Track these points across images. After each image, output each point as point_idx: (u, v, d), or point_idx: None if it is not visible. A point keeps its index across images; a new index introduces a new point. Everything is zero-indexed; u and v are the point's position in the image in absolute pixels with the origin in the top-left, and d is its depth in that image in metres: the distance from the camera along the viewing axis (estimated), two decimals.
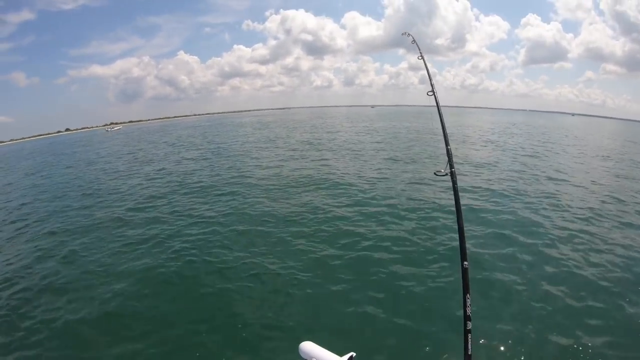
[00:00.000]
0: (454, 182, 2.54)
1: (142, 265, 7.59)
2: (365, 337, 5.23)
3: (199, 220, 10.06)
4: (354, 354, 2.24)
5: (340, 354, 2.24)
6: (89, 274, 7.40)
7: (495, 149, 23.00)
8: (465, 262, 2.19)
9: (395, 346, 5.02)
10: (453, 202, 2.47)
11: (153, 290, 6.66)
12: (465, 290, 2.11)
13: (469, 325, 2.04)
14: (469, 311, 2.05)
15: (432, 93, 3.24)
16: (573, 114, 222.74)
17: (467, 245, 2.37)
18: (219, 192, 12.96)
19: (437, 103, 3.19)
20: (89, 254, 8.32)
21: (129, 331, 5.51)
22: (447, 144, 2.79)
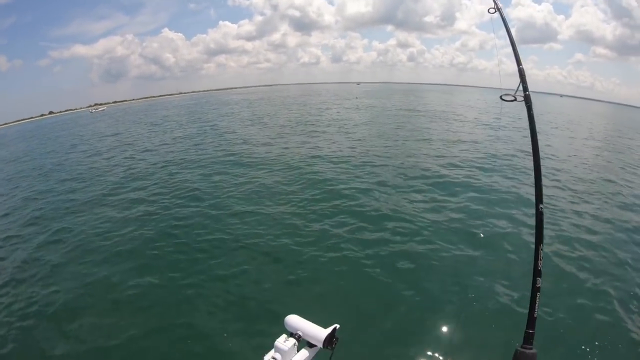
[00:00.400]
0: (529, 108, 2.19)
1: (127, 245, 7.70)
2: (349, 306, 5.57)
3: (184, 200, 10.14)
4: (338, 326, 2.27)
5: (325, 326, 2.26)
6: (69, 259, 7.45)
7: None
8: (541, 205, 1.92)
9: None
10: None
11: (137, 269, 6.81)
12: (539, 239, 1.86)
13: (539, 282, 1.79)
14: (540, 265, 1.80)
15: (494, 10, 2.67)
16: (561, 95, 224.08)
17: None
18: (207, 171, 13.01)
19: (503, 19, 2.66)
20: (71, 236, 8.35)
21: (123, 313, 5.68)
22: (518, 63, 2.46)
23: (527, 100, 2.15)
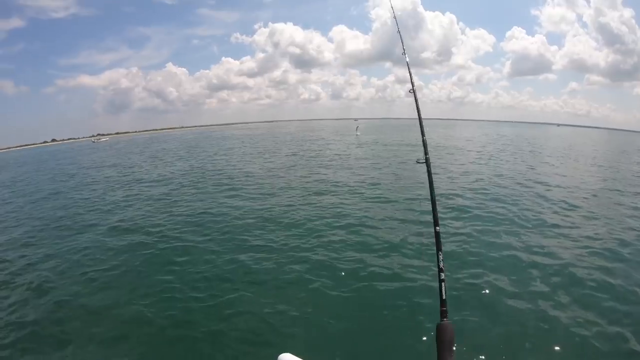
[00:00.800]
0: (428, 166, 2.80)
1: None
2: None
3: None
4: None
5: None
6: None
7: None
8: (437, 227, 2.46)
9: None
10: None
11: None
12: (438, 248, 2.35)
13: (443, 275, 2.23)
14: (442, 265, 2.27)
15: (412, 91, 3.40)
16: (558, 125, 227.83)
17: None
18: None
19: (415, 100, 3.35)
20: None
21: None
22: (422, 134, 3.08)
23: (427, 162, 2.81)
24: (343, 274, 7.01)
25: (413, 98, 3.30)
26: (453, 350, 1.93)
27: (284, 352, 2.24)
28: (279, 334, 5.27)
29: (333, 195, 13.59)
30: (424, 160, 2.88)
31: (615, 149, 42.04)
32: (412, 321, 5.42)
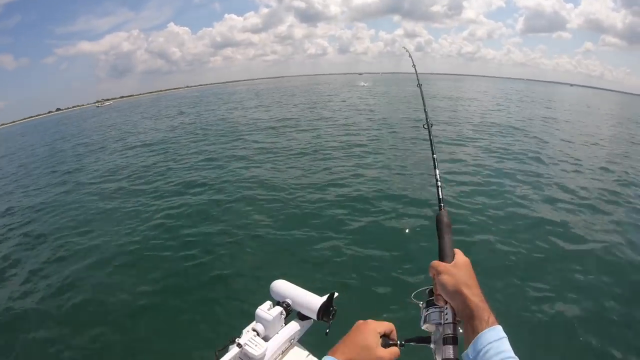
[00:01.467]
0: (430, 133, 2.28)
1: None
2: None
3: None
4: (337, 294, 1.82)
5: (320, 294, 1.83)
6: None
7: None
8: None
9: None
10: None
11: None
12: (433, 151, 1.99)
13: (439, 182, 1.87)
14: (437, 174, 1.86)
15: (418, 85, 3.22)
16: (571, 85, 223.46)
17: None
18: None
19: (422, 95, 2.96)
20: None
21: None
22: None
23: (429, 127, 2.34)
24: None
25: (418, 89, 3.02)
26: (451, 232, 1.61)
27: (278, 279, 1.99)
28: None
29: None
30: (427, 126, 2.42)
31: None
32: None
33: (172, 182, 9.86)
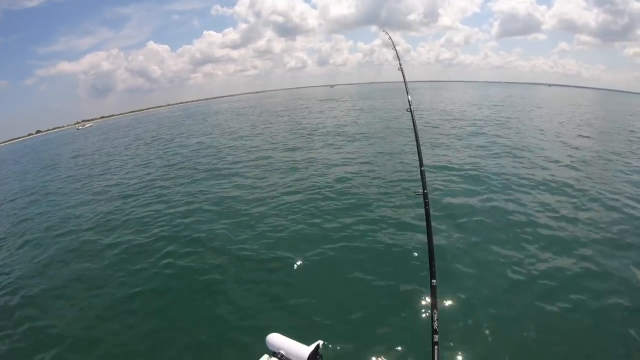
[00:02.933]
0: (426, 204, 2.55)
1: None
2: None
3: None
4: (321, 342, 2.29)
5: (307, 343, 2.25)
6: None
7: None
8: (434, 280, 2.23)
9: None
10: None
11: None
12: (434, 307, 2.15)
13: (436, 338, 2.08)
14: (436, 325, 2.08)
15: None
16: (550, 85, 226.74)
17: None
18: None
19: (412, 119, 3.20)
20: None
21: None
22: (421, 164, 2.87)
23: (425, 197, 2.62)
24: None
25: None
26: None
27: (273, 332, 2.38)
28: None
29: None
30: (421, 193, 2.68)
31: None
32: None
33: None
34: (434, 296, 2.20)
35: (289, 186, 11.05)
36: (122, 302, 6.17)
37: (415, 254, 6.61)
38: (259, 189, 11.08)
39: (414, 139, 3.05)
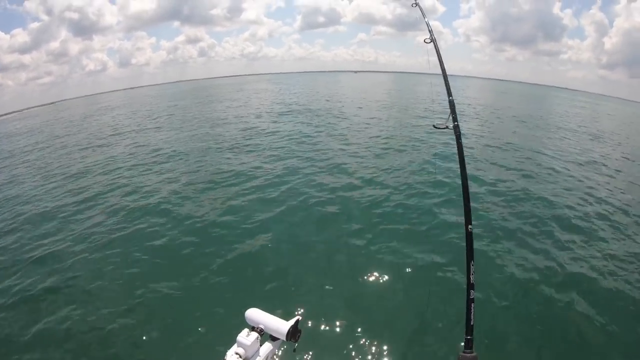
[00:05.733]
0: (458, 137, 2.49)
1: None
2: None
3: None
4: (300, 318, 2.29)
5: (287, 319, 2.28)
6: None
7: None
8: (470, 226, 2.15)
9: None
10: None
11: None
12: (470, 256, 2.11)
13: (473, 294, 2.05)
14: (472, 279, 2.05)
15: (430, 40, 3.11)
16: (356, 72, 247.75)
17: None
18: None
19: (437, 50, 3.07)
20: None
21: None
22: (449, 94, 2.78)
23: (456, 130, 2.49)
24: None
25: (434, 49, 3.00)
26: None
27: (252, 307, 2.39)
28: None
29: None
30: (450, 126, 2.59)
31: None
32: None
33: None
34: (470, 244, 2.13)
35: None
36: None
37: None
38: None
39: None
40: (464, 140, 2.56)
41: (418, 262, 6.99)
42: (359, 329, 5.35)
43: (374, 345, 5.05)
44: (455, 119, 2.51)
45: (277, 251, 7.65)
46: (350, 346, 5.04)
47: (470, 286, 2.05)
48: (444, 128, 2.53)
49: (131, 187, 12.54)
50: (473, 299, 2.01)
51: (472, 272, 2.09)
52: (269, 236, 8.19)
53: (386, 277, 6.62)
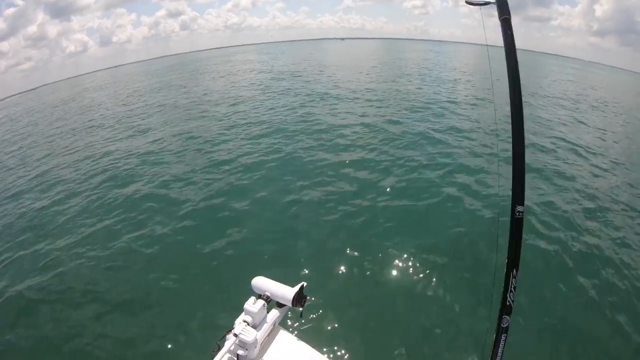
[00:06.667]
0: (508, 28, 1.63)
1: None
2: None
3: None
4: (305, 284, 2.34)
5: (292, 285, 2.35)
6: None
7: None
8: (520, 208, 1.46)
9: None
10: None
11: None
12: (513, 261, 1.43)
13: (507, 321, 1.49)
14: (510, 298, 1.44)
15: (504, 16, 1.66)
16: (343, 39, 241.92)
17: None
18: None
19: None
20: None
21: None
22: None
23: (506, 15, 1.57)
24: None
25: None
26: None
27: (258, 275, 2.46)
28: None
29: None
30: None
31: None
32: None
33: None
34: (517, 237, 1.46)
35: None
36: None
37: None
38: None
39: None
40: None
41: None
42: (367, 305, 5.41)
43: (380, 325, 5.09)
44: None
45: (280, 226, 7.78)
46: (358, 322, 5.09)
47: (505, 309, 1.44)
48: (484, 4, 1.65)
49: (124, 173, 12.27)
50: (507, 327, 1.44)
51: (512, 286, 1.42)
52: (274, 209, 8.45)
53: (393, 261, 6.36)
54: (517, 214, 1.41)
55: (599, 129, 16.35)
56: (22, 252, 7.97)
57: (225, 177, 10.43)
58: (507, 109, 1.51)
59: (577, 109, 20.97)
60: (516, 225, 1.42)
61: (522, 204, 1.42)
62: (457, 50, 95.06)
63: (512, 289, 1.41)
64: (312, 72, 33.15)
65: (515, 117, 1.48)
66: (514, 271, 1.40)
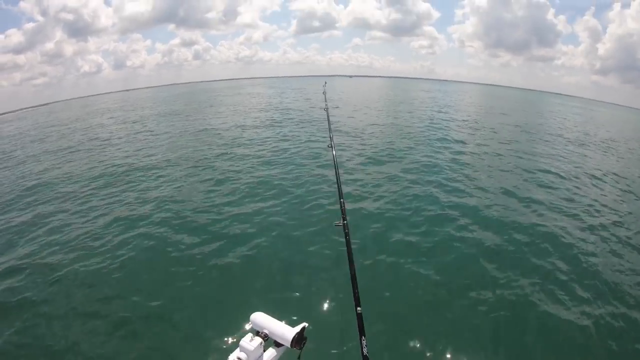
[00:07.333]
0: (346, 234, 2.80)
1: None
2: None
3: None
4: (306, 325, 2.21)
5: (293, 325, 2.22)
6: None
7: None
8: (359, 308, 2.22)
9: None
10: None
11: None
12: (361, 332, 2.11)
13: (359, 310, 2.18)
14: (365, 351, 2.03)
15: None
16: (351, 76, 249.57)
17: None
18: None
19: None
20: None
21: None
22: (340, 196, 3.26)
23: (345, 227, 2.87)
24: None
25: None
26: None
27: (257, 311, 2.33)
28: None
29: None
30: (341, 224, 2.99)
31: None
32: None
33: None
34: (360, 324, 2.16)
35: None
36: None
37: None
38: None
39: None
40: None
41: None
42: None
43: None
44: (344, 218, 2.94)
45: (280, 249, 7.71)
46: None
47: (364, 358, 2.01)
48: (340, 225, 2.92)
49: (134, 193, 11.85)
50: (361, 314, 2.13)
51: (364, 345, 2.06)
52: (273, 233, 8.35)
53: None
54: (358, 310, 2.20)
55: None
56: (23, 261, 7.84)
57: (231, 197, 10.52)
58: None
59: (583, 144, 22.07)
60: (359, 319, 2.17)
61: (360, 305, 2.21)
62: (462, 89, 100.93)
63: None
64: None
65: None
66: (363, 337, 2.09)
